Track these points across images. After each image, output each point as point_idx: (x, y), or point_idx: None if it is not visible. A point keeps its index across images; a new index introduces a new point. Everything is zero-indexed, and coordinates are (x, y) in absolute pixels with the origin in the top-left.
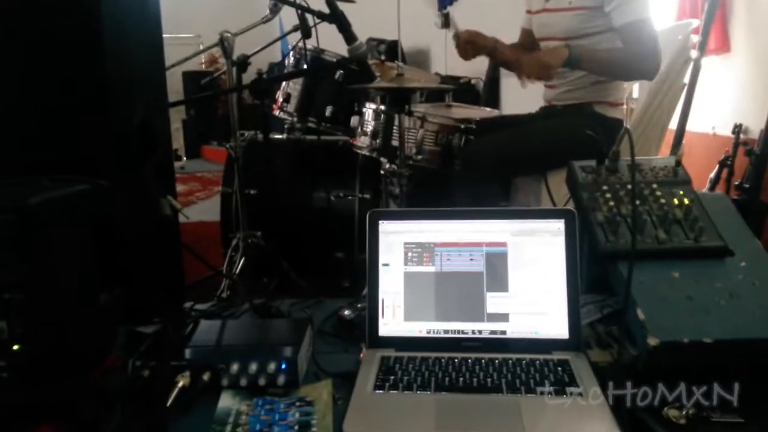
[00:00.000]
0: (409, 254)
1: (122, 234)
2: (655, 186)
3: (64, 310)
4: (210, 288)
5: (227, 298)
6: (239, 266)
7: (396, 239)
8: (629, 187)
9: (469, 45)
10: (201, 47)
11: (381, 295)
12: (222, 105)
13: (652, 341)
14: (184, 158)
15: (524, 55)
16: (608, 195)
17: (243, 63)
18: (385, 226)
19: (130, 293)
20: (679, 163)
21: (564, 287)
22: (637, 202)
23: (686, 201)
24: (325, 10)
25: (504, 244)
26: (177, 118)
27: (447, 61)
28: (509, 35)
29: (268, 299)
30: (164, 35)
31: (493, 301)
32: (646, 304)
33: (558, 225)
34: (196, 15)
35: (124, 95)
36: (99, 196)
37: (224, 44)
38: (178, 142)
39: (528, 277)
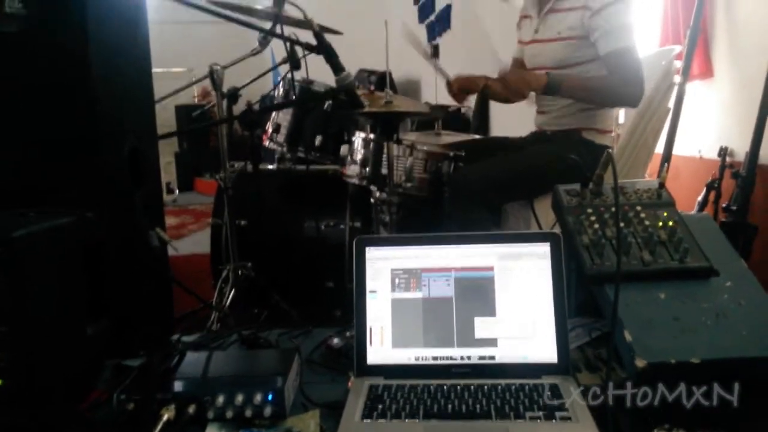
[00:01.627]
0: (396, 280)
1: (110, 266)
2: (639, 208)
3: (49, 343)
4: (200, 320)
5: (217, 330)
6: (229, 298)
7: (383, 265)
8: (613, 209)
9: (460, 87)
10: (193, 80)
11: (368, 323)
12: (214, 137)
13: (640, 363)
14: (177, 191)
15: (511, 73)
16: (593, 218)
17: (233, 95)
18: (372, 253)
19: (118, 326)
20: (662, 185)
21: (552, 311)
22: (622, 224)
23: (670, 222)
24: (313, 41)
25: (491, 269)
26: (170, 151)
27: (437, 91)
28: (497, 66)
29: (256, 330)
30: (155, 69)
31: (482, 326)
32: (633, 326)
33: (544, 249)
34: (188, 49)
35: (114, 129)
36: (86, 228)
37: (213, 77)
38: (170, 175)
39: (515, 301)
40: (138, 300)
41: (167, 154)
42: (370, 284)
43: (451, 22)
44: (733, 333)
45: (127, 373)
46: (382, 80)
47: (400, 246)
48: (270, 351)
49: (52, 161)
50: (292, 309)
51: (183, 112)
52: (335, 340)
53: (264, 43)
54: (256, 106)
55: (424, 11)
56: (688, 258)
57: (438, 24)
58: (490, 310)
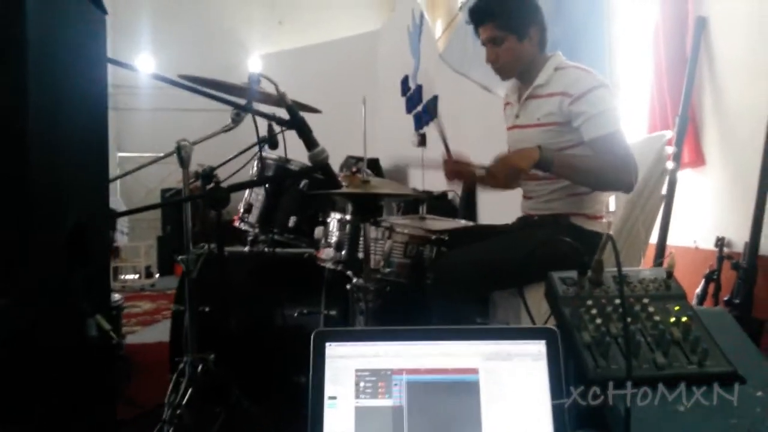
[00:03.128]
0: (362, 384)
1: (38, 358)
2: (646, 301)
3: None
4: (155, 420)
5: None
6: (186, 395)
7: (345, 365)
8: (617, 301)
9: (455, 171)
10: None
11: None
12: (198, 222)
13: None
14: (157, 275)
15: (494, 162)
16: (594, 311)
17: (207, 175)
18: (333, 350)
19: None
20: (670, 274)
21: (549, 424)
22: (628, 319)
23: (684, 318)
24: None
25: (475, 371)
26: (152, 235)
27: (424, 178)
28: (485, 153)
29: None
30: (145, 154)
31: None
32: None
33: (538, 347)
34: (181, 135)
35: (52, 203)
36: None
37: (181, 153)
38: (151, 258)
39: (504, 412)
40: (69, 398)
41: (150, 238)
42: (329, 389)
43: (438, 111)
44: None
45: None
46: (369, 166)
47: (367, 342)
48: None
49: None
50: (256, 407)
51: (170, 196)
52: None
53: (237, 120)
54: (224, 184)
55: (412, 102)
56: (708, 361)
57: (425, 114)
58: (473, 424)
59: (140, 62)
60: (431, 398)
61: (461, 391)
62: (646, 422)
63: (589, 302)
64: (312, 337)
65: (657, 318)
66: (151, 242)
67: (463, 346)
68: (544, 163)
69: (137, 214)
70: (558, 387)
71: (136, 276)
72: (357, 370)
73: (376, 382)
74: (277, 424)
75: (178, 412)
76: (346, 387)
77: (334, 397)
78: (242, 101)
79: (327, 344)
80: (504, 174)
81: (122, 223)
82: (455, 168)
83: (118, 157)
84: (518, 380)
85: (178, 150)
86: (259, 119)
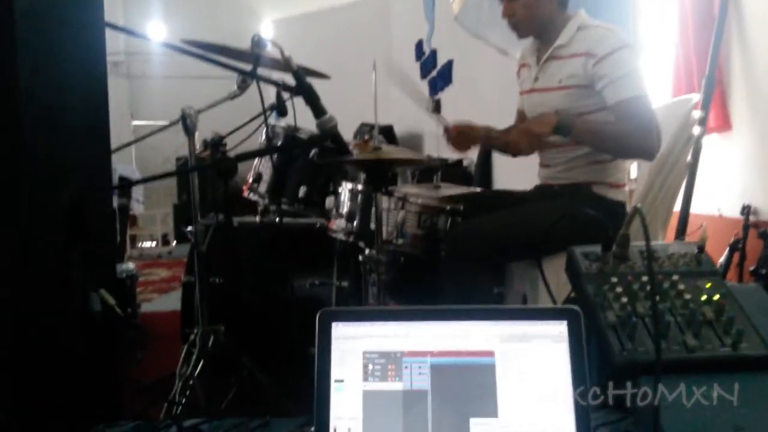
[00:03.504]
0: (370, 367)
1: (41, 336)
2: (676, 278)
3: None
4: (168, 390)
5: (178, 404)
6: (198, 366)
7: (353, 347)
8: (644, 279)
9: (460, 138)
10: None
11: (332, 423)
12: (210, 191)
13: None
14: (174, 243)
15: (514, 131)
16: (619, 289)
17: (217, 143)
18: (340, 330)
19: (43, 410)
20: (702, 249)
21: (570, 410)
22: (657, 297)
23: (717, 296)
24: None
25: (491, 353)
26: (168, 202)
27: (439, 145)
28: (502, 118)
29: (206, 419)
30: (159, 122)
31: (478, 429)
32: None
33: (560, 328)
34: (193, 101)
35: (48, 172)
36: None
37: (186, 121)
38: (168, 226)
39: (523, 397)
40: (72, 375)
41: (166, 206)
42: (336, 371)
43: (453, 77)
44: None
45: None
46: (384, 133)
47: (376, 322)
48: None
49: None
50: (266, 379)
51: (185, 165)
52: None
53: (243, 87)
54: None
55: (426, 67)
56: (744, 343)
57: (440, 79)
58: (489, 409)
59: (151, 29)
60: (444, 382)
61: (476, 375)
62: (676, 409)
63: (614, 279)
64: (317, 316)
65: (687, 296)
66: (167, 210)
67: (479, 327)
68: (563, 129)
69: (152, 183)
70: (580, 371)
71: (153, 244)
72: (365, 352)
73: (386, 364)
74: (289, 395)
75: (191, 382)
76: (354, 370)
77: (341, 380)
78: (249, 67)
79: (333, 324)
80: (526, 144)
81: (137, 192)
82: (461, 131)
83: (133, 125)
84: (537, 363)
85: (183, 118)
86: (267, 86)
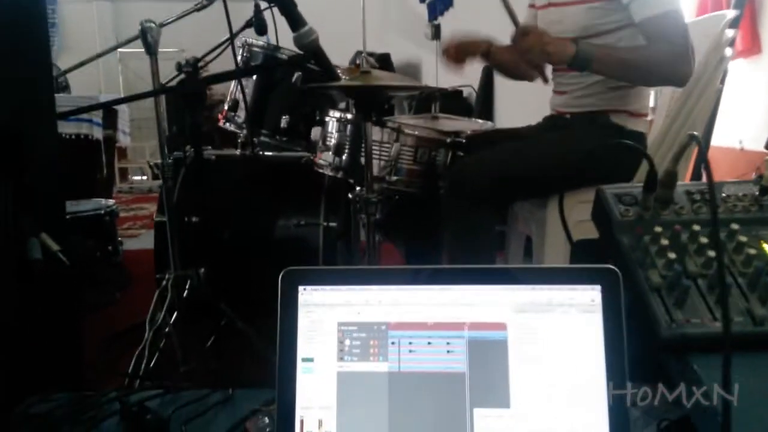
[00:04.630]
0: (347, 342)
1: None
2: (735, 227)
3: None
4: (139, 338)
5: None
6: (173, 315)
7: (325, 317)
8: (695, 227)
9: (458, 48)
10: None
11: (299, 413)
12: (207, 120)
13: None
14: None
15: (531, 34)
16: (665, 241)
17: (193, 65)
18: (309, 296)
19: None
20: (766, 190)
21: (603, 397)
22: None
23: None
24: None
25: (502, 326)
26: (155, 134)
27: (438, 75)
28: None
29: (143, 403)
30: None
31: (485, 423)
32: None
33: (591, 295)
34: (180, 29)
35: None
36: None
37: (146, 36)
38: (157, 159)
39: (541, 382)
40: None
41: (155, 138)
42: (303, 348)
43: None
44: None
45: None
46: (380, 61)
47: (355, 285)
48: None
49: None
50: (248, 326)
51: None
52: (257, 424)
53: None
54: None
55: None
56: None
57: (440, 2)
58: (499, 397)
59: None
60: (443, 364)
61: (483, 355)
62: (743, 398)
63: (658, 229)
64: (280, 277)
65: (751, 251)
66: (155, 142)
67: (487, 293)
68: (582, 61)
69: (141, 114)
70: (618, 350)
71: (144, 177)
72: (341, 324)
73: (367, 339)
74: (273, 343)
75: (167, 330)
76: (326, 346)
77: (309, 359)
78: None
79: (300, 288)
80: (538, 51)
81: (123, 123)
82: (459, 42)
83: (119, 53)
84: (562, 340)
85: (143, 33)
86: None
